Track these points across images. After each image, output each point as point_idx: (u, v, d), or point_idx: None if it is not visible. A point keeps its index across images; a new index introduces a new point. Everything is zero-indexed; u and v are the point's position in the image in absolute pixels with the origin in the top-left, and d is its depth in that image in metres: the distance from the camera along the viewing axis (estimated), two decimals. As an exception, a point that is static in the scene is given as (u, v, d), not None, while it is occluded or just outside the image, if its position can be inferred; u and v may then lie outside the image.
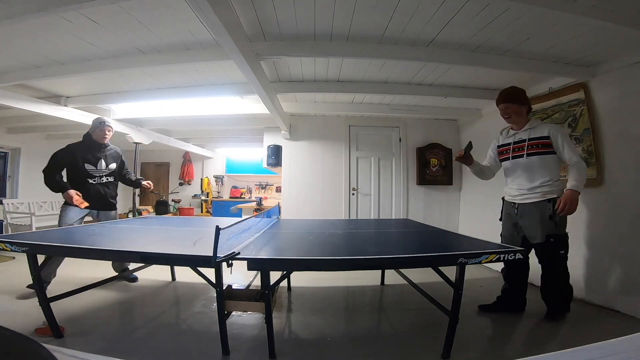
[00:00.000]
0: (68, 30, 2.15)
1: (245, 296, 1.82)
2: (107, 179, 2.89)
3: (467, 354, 1.72)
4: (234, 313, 1.97)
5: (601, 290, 2.39)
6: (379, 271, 2.99)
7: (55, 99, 3.55)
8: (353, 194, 4.52)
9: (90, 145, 2.82)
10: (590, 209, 2.54)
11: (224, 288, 1.63)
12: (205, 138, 6.58)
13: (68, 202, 2.65)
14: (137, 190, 5.52)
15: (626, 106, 2.38)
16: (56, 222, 2.81)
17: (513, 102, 2.22)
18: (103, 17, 2.01)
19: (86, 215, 2.80)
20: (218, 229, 1.39)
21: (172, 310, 2.42)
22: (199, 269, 1.70)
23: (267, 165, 4.66)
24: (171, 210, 6.91)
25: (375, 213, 4.53)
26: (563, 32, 2.14)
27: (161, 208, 6.06)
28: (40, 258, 1.84)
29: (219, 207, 7.36)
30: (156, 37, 2.29)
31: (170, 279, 3.02)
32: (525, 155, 2.18)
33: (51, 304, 1.78)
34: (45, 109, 3.43)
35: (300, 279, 2.81)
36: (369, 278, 3.01)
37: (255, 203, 5.09)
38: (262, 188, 7.75)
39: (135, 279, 2.94)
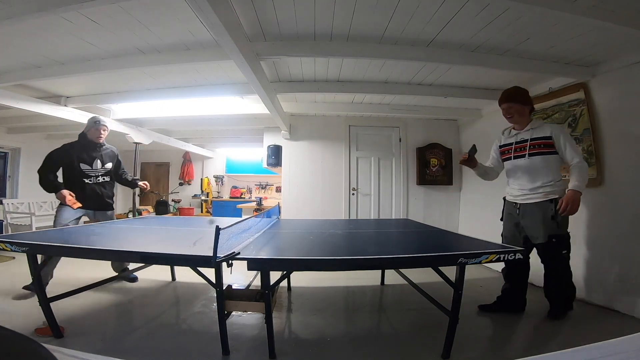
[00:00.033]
0: (68, 30, 2.15)
1: (245, 296, 1.82)
2: (104, 179, 2.86)
3: (467, 354, 1.72)
4: (234, 313, 1.97)
5: (601, 290, 2.39)
6: (379, 271, 2.99)
7: (55, 99, 3.55)
8: (353, 194, 4.52)
9: (85, 144, 2.80)
10: (590, 208, 2.54)
11: (224, 288, 1.63)
12: (205, 138, 6.58)
13: (63, 203, 2.63)
14: (137, 190, 5.51)
15: (626, 106, 2.38)
16: (56, 222, 2.80)
17: (516, 101, 2.22)
18: (103, 17, 2.01)
19: (82, 215, 2.78)
20: (218, 229, 1.39)
21: (172, 310, 2.42)
22: (199, 269, 1.70)
23: (267, 165, 4.66)
24: (171, 210, 6.91)
25: (375, 213, 4.53)
26: (563, 32, 2.14)
27: (161, 208, 6.06)
28: (39, 258, 1.84)
29: (219, 207, 7.36)
30: (156, 37, 2.29)
31: (170, 279, 3.02)
32: (527, 156, 2.18)
33: (51, 304, 1.78)
34: (45, 109, 3.43)
35: (300, 279, 2.81)
36: (369, 278, 3.01)
37: (255, 203, 5.09)
38: (262, 188, 7.75)
39: (135, 279, 2.93)
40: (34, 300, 1.82)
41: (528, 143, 2.18)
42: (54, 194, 2.64)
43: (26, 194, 5.46)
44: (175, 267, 3.04)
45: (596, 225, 2.50)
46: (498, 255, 1.50)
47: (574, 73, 2.64)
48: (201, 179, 7.86)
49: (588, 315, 2.25)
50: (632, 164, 2.31)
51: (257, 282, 1.83)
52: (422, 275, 2.24)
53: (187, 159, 7.93)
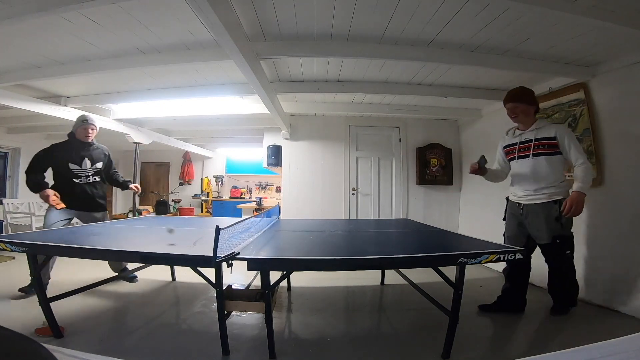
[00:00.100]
0: (68, 30, 2.15)
1: (245, 296, 1.82)
2: (94, 179, 2.78)
3: (467, 354, 1.72)
4: (234, 313, 1.97)
5: (601, 290, 2.39)
6: (379, 271, 2.99)
7: (55, 99, 3.55)
8: (353, 194, 4.52)
9: (74, 144, 2.73)
10: (590, 208, 2.54)
11: (224, 288, 1.63)
12: (205, 138, 6.58)
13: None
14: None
15: (626, 106, 2.38)
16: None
17: (521, 101, 2.21)
18: (103, 17, 2.01)
19: (73, 217, 2.71)
20: (218, 229, 1.39)
21: (172, 310, 2.42)
22: (199, 269, 1.70)
23: (267, 165, 4.67)
24: (171, 210, 6.91)
25: (375, 213, 4.53)
26: (563, 32, 2.14)
27: (161, 208, 6.06)
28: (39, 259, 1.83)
29: (219, 207, 7.36)
30: (156, 37, 2.29)
31: (170, 279, 3.02)
32: (531, 156, 2.18)
33: (51, 304, 1.78)
34: (45, 109, 3.43)
35: (300, 279, 2.81)
36: (369, 278, 3.01)
37: (255, 203, 5.09)
38: (262, 188, 7.75)
39: (135, 278, 2.93)
40: (34, 300, 1.82)
41: (532, 143, 2.18)
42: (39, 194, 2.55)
43: (26, 194, 5.43)
44: (176, 267, 3.04)
45: (596, 225, 2.50)
46: (498, 255, 1.50)
47: (574, 73, 2.64)
48: (201, 179, 7.86)
49: (588, 315, 2.25)
50: (632, 164, 2.31)
51: (257, 282, 1.83)
52: (422, 275, 2.24)
53: (187, 159, 7.93)
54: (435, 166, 4.51)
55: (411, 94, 3.39)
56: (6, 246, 1.64)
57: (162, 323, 2.14)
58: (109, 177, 3.01)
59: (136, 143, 4.82)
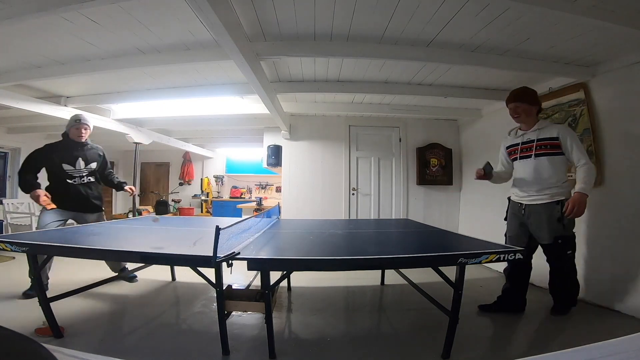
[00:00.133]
0: (68, 30, 2.14)
1: (245, 296, 1.82)
2: (89, 179, 2.73)
3: (467, 354, 1.72)
4: (234, 313, 1.97)
5: (601, 290, 2.39)
6: (379, 271, 2.99)
7: (55, 99, 3.55)
8: (353, 194, 4.52)
9: (67, 144, 2.68)
10: (590, 208, 2.52)
11: (224, 288, 1.63)
12: (205, 138, 6.58)
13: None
14: (137, 190, 5.51)
15: (626, 106, 2.38)
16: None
17: (523, 101, 2.21)
18: (103, 17, 2.01)
19: (67, 218, 2.67)
20: (218, 229, 1.39)
21: (172, 310, 2.42)
22: (199, 269, 1.70)
23: (267, 165, 4.67)
24: (171, 210, 6.91)
25: (375, 213, 4.53)
26: (563, 32, 2.14)
27: (161, 208, 6.06)
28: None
29: (219, 207, 7.36)
30: (156, 37, 2.29)
31: (170, 279, 3.02)
32: (533, 156, 2.18)
33: (51, 304, 1.78)
34: (45, 109, 3.43)
35: (300, 279, 2.81)
36: (369, 278, 3.01)
37: (255, 203, 5.09)
38: (262, 188, 7.75)
39: (134, 278, 2.93)
40: (34, 300, 1.82)
41: (534, 144, 2.18)
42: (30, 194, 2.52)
43: (26, 194, 5.45)
44: (176, 267, 3.04)
45: (596, 225, 2.50)
46: (498, 255, 1.50)
47: (574, 73, 2.64)
48: (201, 179, 7.86)
49: (588, 315, 2.25)
50: (632, 164, 2.31)
51: (257, 282, 1.83)
52: (422, 275, 2.24)
53: (187, 159, 7.94)
54: (435, 166, 4.51)
55: (411, 94, 3.39)
56: (6, 246, 1.64)
57: (162, 323, 2.14)
58: (104, 177, 2.95)
59: (136, 143, 4.82)
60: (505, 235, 2.38)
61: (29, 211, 5.01)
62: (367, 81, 3.25)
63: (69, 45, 2.38)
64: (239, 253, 1.46)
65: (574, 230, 2.13)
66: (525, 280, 2.30)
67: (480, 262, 1.49)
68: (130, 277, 2.91)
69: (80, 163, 2.69)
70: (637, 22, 1.88)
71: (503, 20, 2.03)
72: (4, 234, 4.24)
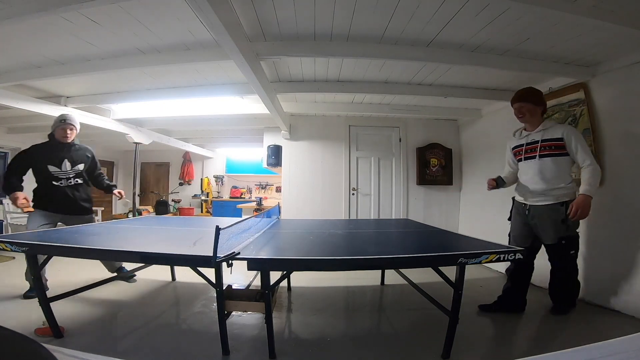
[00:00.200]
0: (68, 30, 2.14)
1: (245, 296, 1.82)
2: (76, 181, 2.64)
3: (467, 354, 1.72)
4: (234, 313, 1.97)
5: (601, 290, 2.39)
6: (379, 271, 2.99)
7: (55, 99, 3.55)
8: (353, 194, 4.52)
9: (53, 145, 2.61)
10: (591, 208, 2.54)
11: (224, 288, 1.63)
12: (205, 138, 6.58)
13: (36, 207, 2.51)
14: (137, 190, 5.52)
15: (626, 106, 2.38)
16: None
17: (528, 101, 2.21)
18: (103, 17, 2.01)
19: (55, 221, 2.59)
20: (218, 229, 1.39)
21: (172, 310, 2.42)
22: (199, 269, 1.70)
23: (267, 165, 4.66)
24: (171, 210, 6.91)
25: (375, 213, 4.53)
26: (563, 32, 2.14)
27: (161, 208, 6.07)
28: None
29: (219, 207, 7.36)
30: (156, 37, 2.29)
31: (170, 279, 3.02)
32: (537, 157, 2.17)
33: (51, 304, 1.78)
34: (45, 109, 3.42)
35: (300, 279, 2.81)
36: (369, 278, 3.01)
37: (255, 203, 5.09)
38: (262, 188, 7.75)
39: (133, 277, 2.91)
40: (34, 300, 1.82)
41: (539, 144, 2.17)
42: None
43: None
44: (176, 267, 3.04)
45: (596, 225, 2.49)
46: (498, 255, 1.50)
47: (574, 73, 2.64)
48: (201, 179, 7.86)
49: (588, 315, 2.25)
50: (632, 164, 2.31)
51: (257, 282, 1.83)
52: (422, 275, 2.24)
53: (187, 159, 7.94)
54: (435, 166, 4.51)
55: (411, 94, 3.39)
56: (6, 246, 1.64)
57: (162, 323, 2.14)
58: (94, 179, 2.87)
59: (136, 143, 4.82)
60: (509, 235, 2.38)
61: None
62: (367, 81, 3.25)
63: (69, 45, 2.38)
64: (239, 253, 1.46)
65: (577, 230, 2.14)
66: (526, 280, 2.30)
67: (480, 262, 1.49)
68: (129, 277, 2.90)
69: (66, 164, 2.61)
70: (637, 22, 1.88)
71: (503, 21, 2.03)
72: (4, 234, 4.24)
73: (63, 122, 2.62)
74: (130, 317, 2.23)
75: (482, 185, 3.99)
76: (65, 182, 2.59)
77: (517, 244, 2.22)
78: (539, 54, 2.48)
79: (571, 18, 1.88)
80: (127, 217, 5.51)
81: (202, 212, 7.56)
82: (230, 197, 7.74)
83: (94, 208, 3.01)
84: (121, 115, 4.23)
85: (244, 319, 2.14)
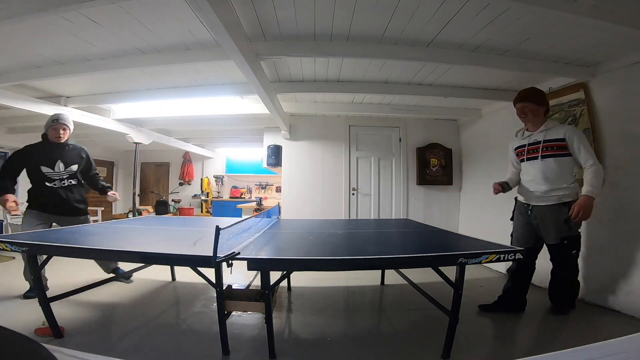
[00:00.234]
0: (68, 30, 2.15)
1: (245, 296, 1.82)
2: (70, 182, 2.61)
3: (467, 354, 1.72)
4: (234, 313, 1.97)
5: (601, 290, 2.39)
6: (379, 271, 2.99)
7: (55, 99, 3.55)
8: (353, 194, 4.52)
9: (47, 145, 2.57)
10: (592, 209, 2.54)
11: (224, 288, 1.63)
12: (205, 138, 6.58)
13: (30, 207, 2.52)
14: (137, 190, 5.52)
15: (626, 106, 2.38)
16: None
17: (531, 101, 2.20)
18: (103, 17, 2.01)
19: (48, 222, 2.57)
20: (218, 229, 1.39)
21: (172, 310, 2.42)
22: (199, 269, 1.70)
23: (267, 165, 4.67)
24: (171, 210, 6.91)
25: (375, 213, 4.53)
26: (563, 32, 2.14)
27: (161, 208, 6.07)
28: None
29: (219, 207, 7.36)
30: (156, 37, 2.29)
31: (170, 279, 3.02)
32: (539, 157, 2.17)
33: (51, 304, 1.78)
34: (45, 109, 3.42)
35: (300, 279, 2.81)
36: (369, 278, 3.01)
37: (255, 203, 5.09)
38: (262, 188, 7.75)
39: (129, 278, 2.88)
40: (34, 300, 1.82)
41: (541, 145, 2.17)
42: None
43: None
44: (176, 267, 3.04)
45: (596, 225, 2.49)
46: (498, 255, 1.50)
47: (574, 73, 2.64)
48: (201, 179, 7.86)
49: (588, 315, 2.25)
50: (632, 164, 2.31)
51: (257, 282, 1.83)
52: (422, 275, 2.24)
53: (187, 159, 7.94)
54: (435, 166, 4.51)
55: (411, 94, 3.39)
56: (6, 246, 1.64)
57: (162, 323, 2.14)
58: (89, 179, 2.83)
59: (136, 143, 4.82)
60: (512, 235, 2.38)
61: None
62: (367, 81, 3.25)
63: (69, 45, 2.38)
64: (239, 253, 1.46)
65: (579, 230, 2.14)
66: (527, 280, 2.30)
67: (480, 262, 1.49)
68: (126, 277, 2.86)
69: (60, 165, 2.57)
70: (637, 22, 1.88)
71: (503, 21, 2.03)
72: (4, 234, 4.24)
73: (56, 122, 2.57)
74: (130, 317, 2.23)
75: (482, 185, 4.00)
76: (58, 183, 2.56)
77: (520, 244, 2.22)
78: (539, 54, 2.48)
79: (571, 18, 1.88)
80: (127, 217, 5.52)
81: (202, 212, 7.56)
82: (230, 197, 7.74)
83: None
84: (121, 115, 4.23)
85: (244, 319, 2.14)
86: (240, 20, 2.05)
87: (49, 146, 2.58)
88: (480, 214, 4.00)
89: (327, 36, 2.31)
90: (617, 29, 1.94)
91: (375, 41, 2.37)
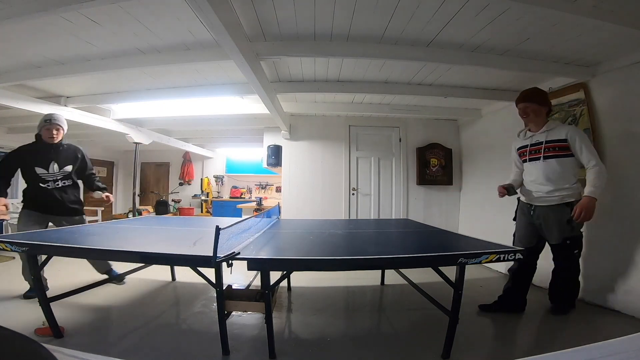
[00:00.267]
0: (68, 30, 2.14)
1: (245, 296, 1.82)
2: (64, 183, 2.58)
3: (467, 353, 1.72)
4: (234, 313, 1.97)
5: (601, 290, 2.39)
6: (379, 271, 2.99)
7: (55, 99, 3.55)
8: (353, 194, 4.52)
9: (41, 146, 2.54)
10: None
11: (224, 288, 1.63)
12: (205, 138, 6.58)
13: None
14: (137, 190, 5.52)
15: (626, 106, 2.38)
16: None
17: (533, 101, 2.20)
18: (103, 17, 2.01)
19: (48, 221, 2.59)
20: (218, 229, 1.39)
21: (172, 310, 2.42)
22: (199, 269, 1.70)
23: (267, 165, 4.67)
24: (171, 210, 6.91)
25: (375, 213, 4.53)
26: (563, 32, 2.14)
27: (161, 208, 6.07)
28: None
29: (219, 207, 7.36)
30: (156, 37, 2.29)
31: (170, 279, 3.02)
32: (542, 158, 2.17)
33: (51, 304, 1.78)
34: (45, 109, 3.42)
35: (300, 279, 2.81)
36: (369, 278, 3.01)
37: (255, 203, 5.09)
38: (262, 188, 7.75)
39: (122, 280, 2.80)
40: (34, 300, 1.82)
41: (543, 146, 2.17)
42: None
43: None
44: (176, 267, 3.04)
45: (596, 224, 2.48)
46: (498, 255, 1.50)
47: (574, 73, 2.64)
48: (201, 179, 7.86)
49: (588, 315, 2.25)
50: (632, 164, 2.31)
51: (257, 282, 1.83)
52: (422, 275, 2.24)
53: (187, 159, 7.94)
54: (435, 166, 4.51)
55: (411, 94, 3.39)
56: (6, 246, 1.64)
57: (162, 323, 2.14)
58: (85, 178, 2.80)
59: (136, 143, 4.82)
60: (514, 235, 2.38)
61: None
62: (367, 81, 3.25)
63: (69, 45, 2.38)
64: (239, 253, 1.46)
65: (581, 230, 2.14)
66: (528, 280, 2.30)
67: (480, 262, 1.49)
68: (119, 279, 2.78)
69: (54, 167, 2.55)
70: (637, 22, 1.88)
71: (503, 21, 2.03)
72: (4, 234, 4.24)
73: (48, 123, 2.53)
74: (130, 317, 2.23)
75: (482, 185, 4.00)
76: (52, 184, 2.54)
77: (522, 244, 2.23)
78: (539, 54, 2.48)
79: (571, 18, 1.88)
80: (127, 217, 5.52)
81: (202, 212, 7.56)
82: (230, 197, 7.74)
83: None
84: (121, 115, 4.23)
85: (244, 319, 2.14)
86: (240, 20, 2.05)
87: (43, 146, 2.55)
88: (480, 214, 4.00)
89: (327, 36, 2.31)
90: (617, 29, 1.94)
91: (375, 41, 2.37)
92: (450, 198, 4.56)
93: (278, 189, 7.22)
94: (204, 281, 1.69)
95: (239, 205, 5.23)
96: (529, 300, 2.30)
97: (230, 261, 1.41)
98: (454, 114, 4.28)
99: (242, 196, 7.70)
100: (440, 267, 1.67)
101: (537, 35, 2.20)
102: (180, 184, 7.86)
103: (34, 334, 1.77)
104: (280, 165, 4.56)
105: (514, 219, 2.40)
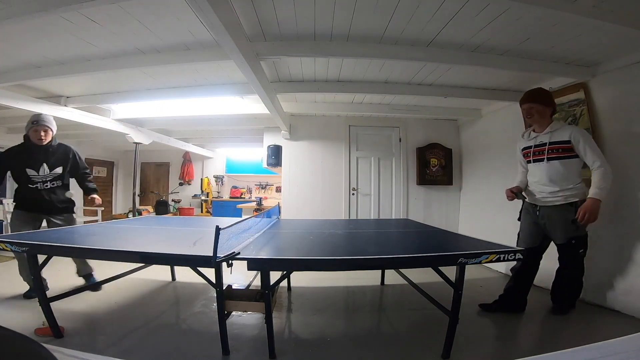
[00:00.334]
0: (68, 30, 2.14)
1: (245, 296, 1.82)
2: (53, 184, 2.57)
3: (467, 353, 1.72)
4: (234, 313, 1.97)
5: (601, 290, 2.39)
6: (379, 271, 2.99)
7: (55, 99, 3.55)
8: (353, 194, 4.52)
9: (30, 147, 2.52)
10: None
11: (224, 288, 1.63)
12: (205, 138, 6.58)
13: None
14: (137, 190, 5.52)
15: (626, 106, 2.38)
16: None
17: (537, 102, 2.20)
18: (103, 17, 2.01)
19: (40, 220, 2.58)
20: (218, 229, 1.39)
21: (172, 310, 2.42)
22: (199, 269, 1.70)
23: (267, 165, 4.67)
24: (171, 210, 6.91)
25: (375, 213, 4.53)
26: (563, 32, 2.14)
27: (161, 208, 6.08)
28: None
29: (219, 207, 7.37)
30: (156, 37, 2.29)
31: (170, 279, 3.02)
32: (545, 160, 2.17)
33: (51, 304, 1.79)
34: (45, 109, 3.42)
35: (300, 279, 2.81)
36: (369, 278, 3.01)
37: (255, 203, 5.09)
38: (262, 188, 7.75)
39: (98, 287, 2.60)
40: (34, 300, 1.82)
41: (546, 147, 2.17)
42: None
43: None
44: (176, 267, 3.04)
45: (596, 224, 2.47)
46: (498, 255, 1.50)
47: (574, 73, 2.64)
48: (201, 179, 7.87)
49: (588, 315, 2.25)
50: (632, 164, 2.31)
51: (257, 282, 1.83)
52: (422, 275, 2.24)
53: (187, 159, 7.94)
54: (435, 166, 4.51)
55: (411, 94, 3.39)
56: (6, 246, 1.64)
57: (162, 323, 2.14)
58: (78, 177, 2.78)
59: (136, 143, 4.82)
60: (518, 234, 2.38)
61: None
62: (367, 81, 3.25)
63: (69, 45, 2.38)
64: (239, 253, 1.46)
65: (586, 229, 2.14)
66: (530, 280, 2.30)
67: (480, 262, 1.49)
68: (94, 286, 2.58)
69: (45, 168, 2.54)
70: (637, 22, 1.87)
71: (503, 21, 2.03)
72: (4, 234, 4.24)
73: (35, 124, 2.51)
74: (130, 317, 2.23)
75: (482, 185, 4.00)
76: (41, 185, 2.53)
77: (526, 244, 2.23)
78: (539, 54, 2.48)
79: (571, 18, 1.88)
80: (127, 217, 5.52)
81: (202, 212, 7.56)
82: (230, 197, 7.74)
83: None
84: (121, 115, 4.23)
85: (244, 319, 2.14)
86: (240, 20, 2.05)
87: (34, 148, 2.53)
88: (480, 214, 4.00)
89: (327, 36, 2.31)
90: (617, 29, 1.94)
91: (375, 41, 2.37)
92: (450, 198, 4.56)
93: (278, 189, 7.22)
94: (204, 281, 1.69)
95: (239, 205, 5.23)
96: (529, 300, 2.30)
97: (230, 261, 1.41)
98: (454, 114, 4.28)
99: (242, 196, 7.70)
100: (440, 267, 1.67)
101: (537, 35, 2.20)
102: (180, 184, 7.86)
103: (34, 334, 1.77)
104: (280, 165, 4.56)
105: (519, 219, 2.40)
